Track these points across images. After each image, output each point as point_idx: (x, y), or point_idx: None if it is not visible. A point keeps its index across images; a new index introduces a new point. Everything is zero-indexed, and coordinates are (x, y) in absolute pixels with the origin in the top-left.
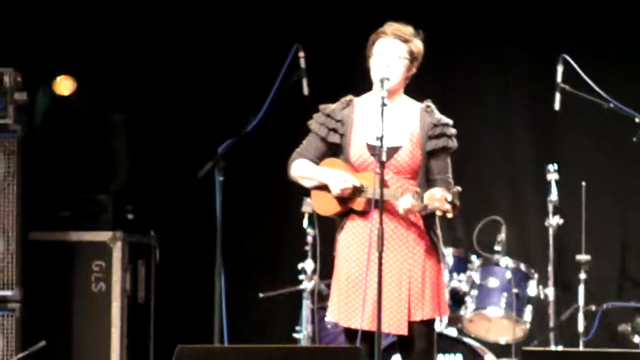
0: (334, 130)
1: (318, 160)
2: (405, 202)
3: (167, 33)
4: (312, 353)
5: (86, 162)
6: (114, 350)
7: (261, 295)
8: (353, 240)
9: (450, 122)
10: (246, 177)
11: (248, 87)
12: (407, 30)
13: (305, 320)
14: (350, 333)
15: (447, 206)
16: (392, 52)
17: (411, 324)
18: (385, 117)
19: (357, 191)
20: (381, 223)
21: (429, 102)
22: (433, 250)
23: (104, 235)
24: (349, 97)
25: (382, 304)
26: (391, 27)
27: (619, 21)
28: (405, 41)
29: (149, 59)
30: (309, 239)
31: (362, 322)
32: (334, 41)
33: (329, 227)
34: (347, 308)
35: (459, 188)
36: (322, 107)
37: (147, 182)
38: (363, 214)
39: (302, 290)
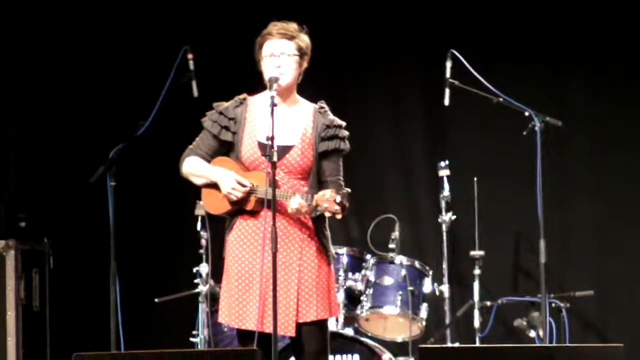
0: (226, 128)
1: (210, 157)
2: (294, 202)
3: (54, 39)
4: (209, 356)
5: None
6: (10, 359)
7: (157, 300)
8: (242, 241)
9: (344, 124)
10: (138, 181)
11: (138, 90)
12: (292, 27)
13: (202, 324)
14: (243, 334)
15: (337, 207)
16: (281, 51)
17: (301, 326)
18: (277, 116)
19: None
20: (274, 224)
21: (322, 104)
22: (323, 252)
23: None
24: (243, 95)
25: (273, 304)
26: (275, 26)
27: (506, 15)
28: (292, 38)
29: (37, 65)
30: (203, 242)
31: (253, 322)
32: (222, 42)
33: (221, 230)
34: (239, 309)
35: (348, 190)
36: (215, 104)
37: (39, 190)
38: (253, 213)
39: (197, 294)
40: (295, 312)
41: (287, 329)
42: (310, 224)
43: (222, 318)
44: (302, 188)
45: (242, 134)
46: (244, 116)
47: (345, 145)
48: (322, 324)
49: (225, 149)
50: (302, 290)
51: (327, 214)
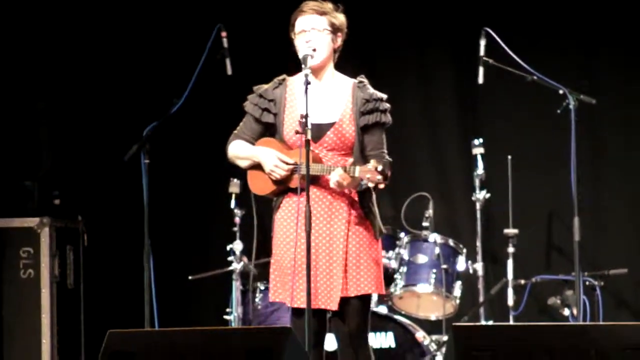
0: (267, 110)
1: (254, 140)
2: (334, 175)
3: (88, 17)
4: (243, 334)
5: (11, 149)
6: (44, 336)
7: (190, 277)
8: (290, 219)
9: (384, 96)
10: (172, 159)
11: (171, 69)
12: (325, 4)
13: (236, 302)
14: (296, 311)
15: (379, 177)
16: (312, 26)
17: (346, 299)
18: (316, 94)
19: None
20: (308, 201)
21: (362, 78)
22: (369, 226)
23: (31, 222)
24: (282, 76)
25: (316, 280)
26: (308, 4)
27: None
28: (323, 14)
29: (70, 43)
30: (237, 219)
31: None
32: (256, 20)
33: (257, 208)
34: (290, 287)
35: (389, 158)
36: (255, 87)
37: (73, 167)
38: (298, 191)
39: (231, 272)
40: (341, 286)
41: (330, 303)
42: (356, 198)
43: (275, 296)
44: (346, 164)
45: (283, 114)
46: (283, 97)
47: (387, 118)
48: (366, 298)
49: (269, 131)
50: (348, 265)
51: (371, 185)
